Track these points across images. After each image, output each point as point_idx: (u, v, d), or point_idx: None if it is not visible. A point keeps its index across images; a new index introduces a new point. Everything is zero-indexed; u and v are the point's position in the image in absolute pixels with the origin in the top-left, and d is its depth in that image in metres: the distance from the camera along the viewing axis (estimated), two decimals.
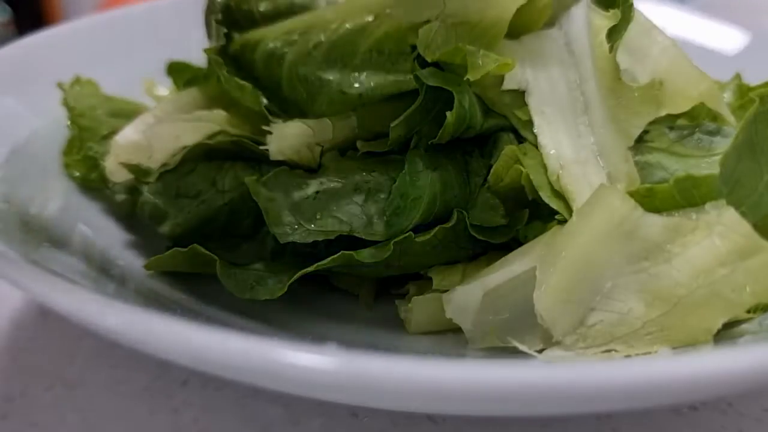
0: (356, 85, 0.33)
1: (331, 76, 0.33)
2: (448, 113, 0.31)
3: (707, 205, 0.26)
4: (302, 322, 0.32)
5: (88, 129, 0.40)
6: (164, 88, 0.45)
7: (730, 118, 0.32)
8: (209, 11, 0.37)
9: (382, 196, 0.32)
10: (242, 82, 0.34)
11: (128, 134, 0.38)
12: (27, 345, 0.34)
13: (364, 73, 0.33)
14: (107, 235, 0.36)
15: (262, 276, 0.31)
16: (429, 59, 0.31)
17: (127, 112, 0.42)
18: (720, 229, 0.25)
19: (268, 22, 0.36)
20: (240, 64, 0.36)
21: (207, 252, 0.31)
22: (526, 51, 0.33)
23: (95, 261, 0.32)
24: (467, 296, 0.28)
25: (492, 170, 0.32)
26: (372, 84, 0.33)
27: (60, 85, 0.41)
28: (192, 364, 0.24)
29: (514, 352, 0.27)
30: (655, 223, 0.26)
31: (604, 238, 0.26)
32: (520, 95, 0.32)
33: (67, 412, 0.30)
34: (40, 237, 0.31)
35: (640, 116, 0.31)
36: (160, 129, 0.36)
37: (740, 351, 0.23)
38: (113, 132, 0.40)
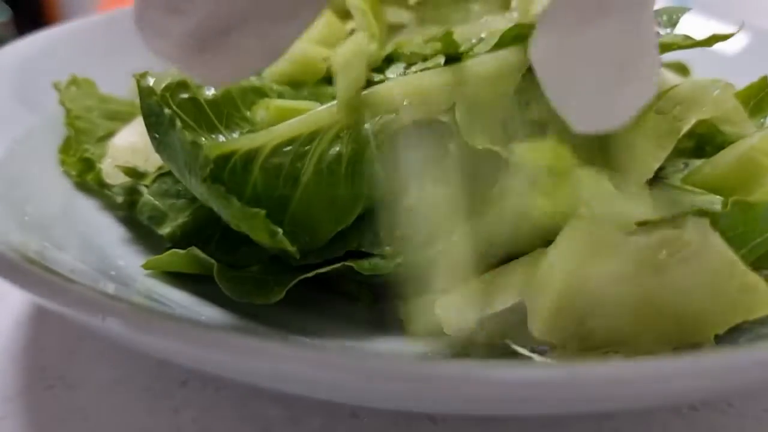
0: (367, 194, 0.31)
1: (356, 189, 0.31)
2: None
3: (689, 223, 0.26)
4: (302, 322, 0.32)
5: (84, 131, 0.40)
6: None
7: (747, 123, 0.32)
8: (149, 113, 0.30)
9: (389, 213, 0.32)
10: (253, 211, 0.28)
11: (126, 137, 0.39)
12: (27, 345, 0.34)
13: (378, 180, 0.31)
14: (107, 234, 0.36)
15: (259, 279, 0.31)
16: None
17: (124, 114, 0.42)
18: (700, 250, 0.25)
19: (218, 112, 0.31)
20: (218, 182, 0.29)
21: (204, 255, 0.31)
22: None
23: (94, 260, 0.32)
24: (463, 321, 0.28)
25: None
26: (381, 190, 0.31)
27: (56, 86, 0.41)
28: (192, 364, 0.24)
29: (514, 353, 0.27)
30: (637, 243, 0.25)
31: (585, 263, 0.25)
32: (539, 127, 0.32)
33: (67, 412, 0.30)
34: (38, 236, 0.31)
35: (663, 148, 0.30)
36: None
37: (740, 351, 0.23)
38: (110, 134, 0.40)
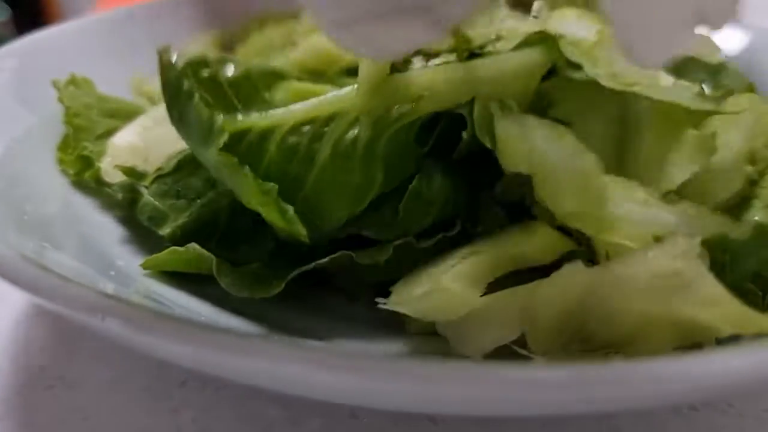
0: (385, 185, 0.31)
1: (370, 174, 0.30)
2: (463, 132, 0.31)
3: (681, 252, 0.25)
4: (302, 322, 0.32)
5: (83, 128, 0.40)
6: (154, 84, 0.45)
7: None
8: (168, 86, 0.30)
9: (394, 199, 0.31)
10: (267, 185, 0.28)
11: (125, 136, 0.39)
12: (27, 345, 0.34)
13: (393, 172, 0.31)
14: (106, 233, 0.36)
15: (259, 274, 0.31)
16: (486, 144, 0.30)
17: (122, 113, 0.42)
18: (692, 281, 0.25)
19: (237, 92, 0.31)
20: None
21: (204, 251, 0.31)
22: (577, 88, 0.32)
23: (94, 260, 0.32)
24: (466, 348, 0.28)
25: (499, 185, 0.31)
26: (393, 182, 0.31)
27: (54, 83, 0.41)
28: (192, 364, 0.24)
29: (515, 352, 0.27)
30: (631, 274, 0.25)
31: (582, 293, 0.25)
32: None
33: (67, 412, 0.30)
34: (38, 236, 0.31)
35: (693, 162, 0.30)
36: (158, 132, 0.36)
37: (741, 351, 0.23)
38: (109, 131, 0.40)
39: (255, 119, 0.30)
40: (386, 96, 0.31)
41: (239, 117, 0.31)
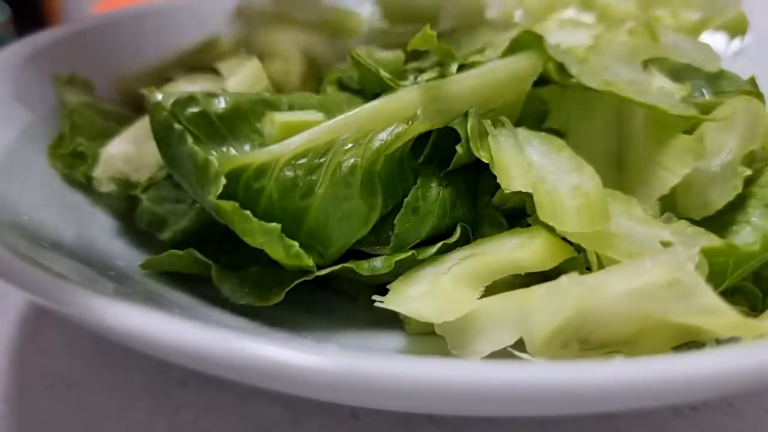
0: (386, 205, 0.31)
1: (371, 198, 0.30)
2: (457, 147, 0.31)
3: (680, 261, 0.25)
4: (302, 322, 0.32)
5: (79, 126, 0.40)
6: None
7: None
8: (159, 129, 0.30)
9: (392, 212, 0.31)
10: (269, 226, 0.28)
11: (118, 146, 0.38)
12: (27, 345, 0.34)
13: (392, 192, 0.31)
14: (106, 233, 0.36)
15: (258, 281, 0.31)
16: (481, 158, 0.30)
17: (120, 115, 0.42)
18: (691, 290, 0.25)
19: (228, 125, 0.31)
20: (232, 196, 0.29)
21: (203, 257, 0.31)
22: (573, 95, 0.33)
23: (94, 260, 0.32)
24: (465, 353, 0.28)
25: (499, 192, 0.31)
26: (393, 201, 0.31)
27: (55, 79, 0.41)
28: (191, 364, 0.24)
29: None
30: (633, 281, 0.25)
31: (582, 301, 0.25)
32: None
33: (67, 412, 0.30)
34: (38, 236, 0.31)
35: (683, 165, 0.30)
36: (150, 140, 0.35)
37: (740, 351, 0.23)
38: (104, 131, 0.40)
39: (251, 156, 0.30)
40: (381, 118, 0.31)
41: (233, 152, 0.31)
